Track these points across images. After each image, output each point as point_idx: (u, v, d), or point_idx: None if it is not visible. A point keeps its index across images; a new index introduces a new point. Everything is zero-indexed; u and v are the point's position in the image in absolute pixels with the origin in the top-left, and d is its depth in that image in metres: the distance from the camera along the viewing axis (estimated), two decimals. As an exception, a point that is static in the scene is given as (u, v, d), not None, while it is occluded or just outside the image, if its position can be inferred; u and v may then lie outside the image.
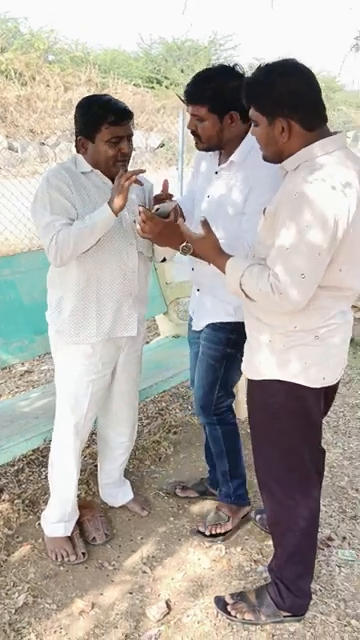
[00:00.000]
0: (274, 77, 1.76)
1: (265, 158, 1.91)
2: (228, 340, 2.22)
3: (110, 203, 2.06)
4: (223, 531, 2.61)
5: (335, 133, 1.81)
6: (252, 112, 1.84)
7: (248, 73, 2.15)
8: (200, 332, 2.49)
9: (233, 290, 1.90)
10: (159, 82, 19.39)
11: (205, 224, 1.95)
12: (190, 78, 2.20)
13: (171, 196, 2.28)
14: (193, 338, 2.62)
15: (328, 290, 1.83)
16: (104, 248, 2.20)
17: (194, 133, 2.25)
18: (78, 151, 2.22)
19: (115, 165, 2.17)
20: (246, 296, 1.86)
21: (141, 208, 2.10)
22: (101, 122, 2.10)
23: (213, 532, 2.60)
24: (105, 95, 2.19)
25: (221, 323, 2.35)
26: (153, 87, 18.63)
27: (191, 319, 2.60)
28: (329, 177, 1.70)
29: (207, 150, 2.31)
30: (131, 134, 2.18)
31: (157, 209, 2.12)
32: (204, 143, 2.25)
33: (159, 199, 2.27)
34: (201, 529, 2.63)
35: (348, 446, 3.43)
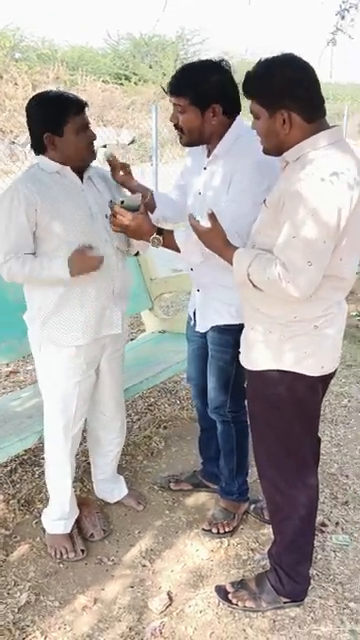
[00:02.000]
0: (274, 69, 1.79)
1: (266, 151, 1.93)
2: (235, 342, 2.22)
3: (71, 268, 2.14)
4: (231, 528, 2.64)
5: (334, 126, 1.85)
6: (253, 105, 1.86)
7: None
8: (204, 333, 2.50)
9: (240, 281, 1.92)
10: (127, 78, 19.34)
11: (212, 217, 1.97)
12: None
13: (124, 167, 2.35)
14: (192, 335, 2.63)
15: (330, 280, 1.87)
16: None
17: (176, 126, 2.25)
18: (41, 151, 2.19)
19: (89, 152, 2.21)
20: (254, 286, 1.88)
21: (110, 203, 2.16)
22: (66, 113, 2.12)
23: (221, 530, 2.63)
24: (54, 90, 2.24)
25: (226, 325, 2.36)
26: (122, 83, 18.57)
27: (190, 318, 2.62)
28: (331, 168, 1.73)
29: (190, 145, 2.31)
30: (89, 122, 2.24)
31: (122, 202, 2.16)
32: (186, 136, 2.24)
33: (112, 164, 2.34)
34: (206, 527, 2.65)
35: (335, 434, 3.49)
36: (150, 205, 2.43)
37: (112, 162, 2.36)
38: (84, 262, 2.16)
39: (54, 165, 2.18)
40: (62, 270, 2.13)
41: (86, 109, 2.18)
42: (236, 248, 1.96)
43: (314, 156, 1.78)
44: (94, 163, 2.31)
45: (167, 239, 2.19)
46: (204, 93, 2.14)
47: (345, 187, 1.73)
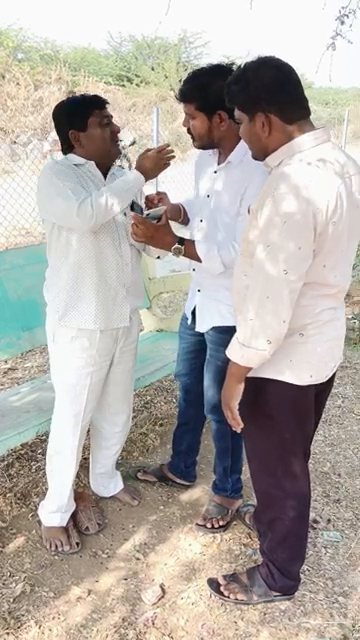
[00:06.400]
0: (249, 73, 1.80)
1: (254, 156, 1.94)
2: None
3: (143, 172, 2.19)
4: (224, 523, 2.68)
5: (319, 128, 1.83)
6: (236, 112, 1.88)
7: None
8: (202, 334, 2.53)
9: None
10: (129, 80, 19.42)
11: None
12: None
13: (161, 198, 2.36)
14: (185, 333, 2.68)
15: (312, 288, 1.85)
16: (102, 240, 2.26)
17: (188, 131, 2.32)
18: (68, 151, 2.29)
19: (113, 145, 2.28)
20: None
21: (132, 213, 2.22)
22: (89, 109, 2.22)
23: (215, 525, 2.67)
24: (78, 94, 2.33)
25: (226, 326, 2.37)
26: (124, 85, 18.65)
27: (186, 318, 2.65)
28: (318, 156, 1.74)
29: (202, 148, 2.37)
30: (112, 116, 2.31)
31: (148, 214, 2.22)
32: (197, 141, 2.31)
33: (150, 199, 2.35)
34: (200, 522, 2.69)
35: (329, 433, 3.54)
36: (184, 221, 2.53)
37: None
38: (157, 161, 2.20)
39: (79, 159, 2.27)
40: (135, 175, 2.18)
41: (107, 106, 2.28)
42: None
43: (294, 160, 1.77)
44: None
45: (188, 249, 2.27)
46: (208, 99, 2.18)
47: (332, 173, 1.72)
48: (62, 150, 2.33)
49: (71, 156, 2.29)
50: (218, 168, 2.34)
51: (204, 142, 2.30)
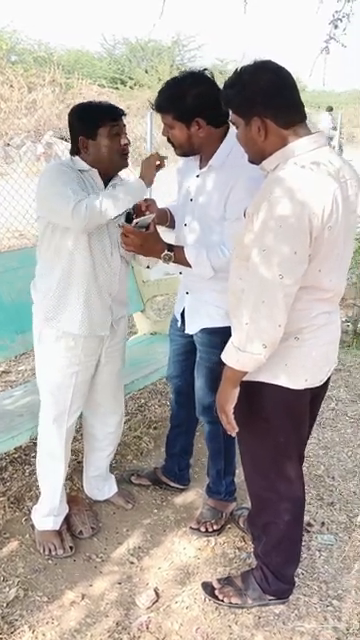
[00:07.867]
0: (245, 77, 1.80)
1: (250, 160, 1.94)
2: (223, 342, 2.25)
3: (142, 177, 2.22)
4: (219, 527, 2.68)
5: (315, 132, 1.83)
6: (231, 115, 1.88)
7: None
8: (192, 336, 2.53)
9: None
10: (123, 82, 19.44)
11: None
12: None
13: (149, 206, 2.36)
14: (175, 335, 2.68)
15: (308, 292, 1.84)
16: (94, 248, 2.27)
17: (168, 140, 2.33)
18: (76, 153, 2.29)
19: (121, 157, 2.28)
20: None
21: (121, 223, 2.24)
22: (102, 118, 2.22)
23: (209, 529, 2.67)
24: (94, 101, 2.33)
25: (215, 328, 2.38)
26: (117, 88, 18.66)
27: (175, 320, 2.65)
28: (312, 159, 1.74)
29: (184, 156, 2.37)
30: (125, 127, 2.30)
31: (136, 223, 2.23)
32: (178, 149, 2.32)
33: (138, 207, 2.35)
34: (194, 526, 2.69)
35: (323, 436, 3.54)
36: (170, 225, 2.53)
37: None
38: (149, 164, 2.26)
39: (84, 165, 2.27)
40: (138, 181, 2.22)
41: (123, 118, 2.27)
42: None
43: (290, 164, 1.77)
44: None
45: (178, 255, 2.28)
46: (185, 108, 2.19)
47: (327, 177, 1.72)
48: (70, 150, 2.33)
49: (76, 159, 2.28)
50: (200, 172, 2.34)
51: (185, 150, 2.31)
